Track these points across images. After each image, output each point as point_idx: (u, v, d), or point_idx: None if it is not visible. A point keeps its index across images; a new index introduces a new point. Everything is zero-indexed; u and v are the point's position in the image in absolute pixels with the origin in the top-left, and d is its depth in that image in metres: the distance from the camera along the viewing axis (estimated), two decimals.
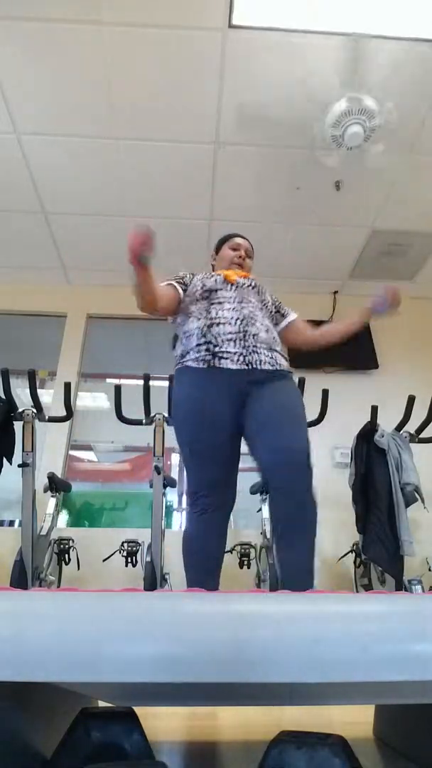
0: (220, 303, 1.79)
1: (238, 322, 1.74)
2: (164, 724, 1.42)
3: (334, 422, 2.87)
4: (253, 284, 1.90)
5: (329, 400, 2.78)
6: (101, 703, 1.16)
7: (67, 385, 2.87)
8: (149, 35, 2.48)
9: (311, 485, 1.55)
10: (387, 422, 2.90)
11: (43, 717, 1.00)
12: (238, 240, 2.08)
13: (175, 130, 2.96)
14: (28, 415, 2.66)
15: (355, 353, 4.11)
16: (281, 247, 3.86)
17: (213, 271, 2.05)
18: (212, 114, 2.86)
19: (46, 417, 2.79)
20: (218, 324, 1.73)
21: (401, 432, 2.89)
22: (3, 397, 2.64)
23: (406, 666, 0.68)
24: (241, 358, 1.68)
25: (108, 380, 4.01)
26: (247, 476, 3.54)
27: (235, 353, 1.69)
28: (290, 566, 1.52)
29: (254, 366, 1.68)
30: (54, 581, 2.73)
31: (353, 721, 1.43)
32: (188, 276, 1.94)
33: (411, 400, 2.83)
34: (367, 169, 2.90)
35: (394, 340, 4.20)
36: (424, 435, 2.91)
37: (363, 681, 0.68)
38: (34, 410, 2.67)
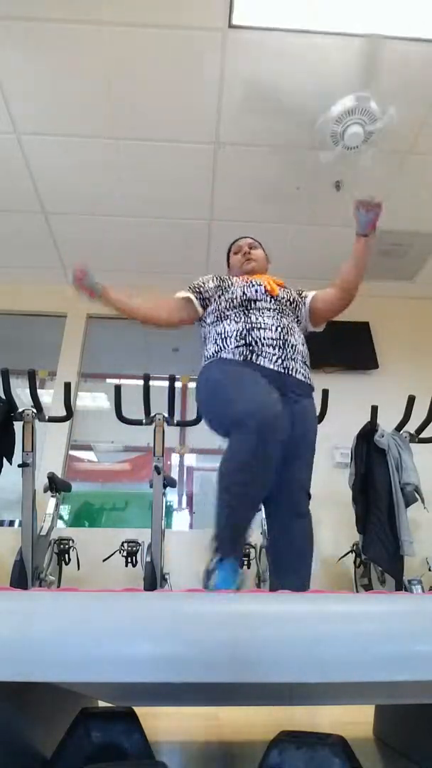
0: (259, 311, 1.77)
1: (279, 329, 1.73)
2: (164, 724, 1.42)
3: (334, 422, 2.86)
4: (287, 297, 1.86)
5: (329, 400, 2.78)
6: (101, 703, 1.16)
7: (67, 385, 2.87)
8: (149, 35, 2.48)
9: (309, 520, 1.65)
10: (387, 422, 2.90)
11: (43, 717, 1.00)
12: (238, 242, 2.08)
13: (175, 130, 2.96)
14: (28, 415, 2.66)
15: (355, 353, 4.12)
16: (281, 247, 3.85)
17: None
18: (212, 114, 2.86)
19: (46, 417, 2.79)
20: (259, 329, 1.72)
21: (401, 432, 2.89)
22: (3, 397, 2.64)
23: (406, 666, 0.68)
24: (279, 361, 1.68)
25: (108, 380, 4.01)
26: None
27: (273, 355, 1.68)
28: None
29: (289, 372, 1.69)
30: (54, 581, 2.73)
31: (353, 721, 1.43)
32: (211, 280, 1.90)
33: (411, 400, 2.83)
34: (367, 169, 2.90)
35: (394, 340, 4.20)
36: (424, 435, 2.91)
37: (363, 681, 0.68)
38: (34, 410, 2.67)
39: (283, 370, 1.67)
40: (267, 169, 3.20)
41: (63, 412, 2.86)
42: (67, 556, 2.91)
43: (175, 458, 3.77)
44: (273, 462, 1.49)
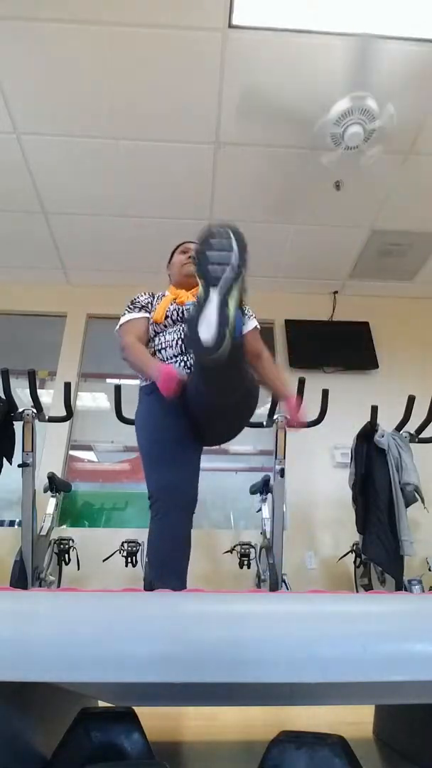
0: (164, 330, 1.79)
1: (179, 341, 1.74)
2: (164, 724, 1.42)
3: (334, 422, 2.86)
4: None
5: (329, 400, 2.78)
6: (101, 703, 1.16)
7: (67, 385, 2.87)
8: (149, 35, 2.48)
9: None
10: (387, 422, 2.90)
11: (43, 717, 1.00)
12: (188, 244, 1.97)
13: (175, 130, 2.96)
14: (28, 415, 2.65)
15: (355, 353, 4.12)
16: (281, 247, 3.86)
17: (170, 281, 2.00)
18: (212, 114, 2.86)
19: (46, 417, 2.79)
20: (161, 350, 1.77)
21: (401, 432, 2.89)
22: (3, 397, 2.64)
23: (406, 666, 0.68)
24: (182, 366, 1.69)
25: (108, 380, 4.01)
26: (248, 476, 3.55)
27: (175, 362, 1.72)
28: None
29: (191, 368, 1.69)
30: (54, 581, 2.73)
31: (353, 721, 1.43)
32: (149, 299, 1.91)
33: (411, 400, 2.83)
34: (366, 169, 2.90)
35: (394, 340, 4.20)
36: (424, 435, 2.90)
37: (363, 681, 0.68)
38: (34, 410, 2.67)
39: (189, 370, 1.66)
40: (267, 169, 3.20)
41: (63, 412, 2.86)
42: (67, 556, 2.91)
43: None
44: (180, 533, 1.60)
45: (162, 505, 1.60)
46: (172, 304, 1.81)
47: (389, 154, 2.96)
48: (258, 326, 1.91)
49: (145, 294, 1.93)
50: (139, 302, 1.89)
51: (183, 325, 1.74)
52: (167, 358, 1.73)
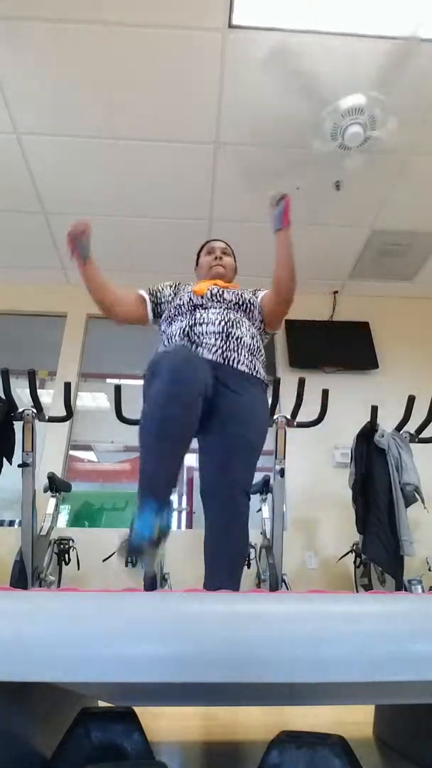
0: (205, 309, 1.77)
1: (223, 323, 1.72)
2: (164, 724, 1.42)
3: (334, 422, 2.87)
4: (235, 300, 1.82)
5: (329, 400, 2.78)
6: (101, 703, 1.16)
7: (67, 385, 2.87)
8: (149, 35, 2.48)
9: (243, 521, 1.59)
10: (387, 422, 2.90)
11: (43, 717, 1.00)
12: (212, 243, 2.06)
13: (175, 130, 2.96)
14: (28, 415, 2.66)
15: (355, 353, 4.12)
16: None
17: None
18: (212, 114, 2.86)
19: (46, 417, 2.79)
20: (201, 324, 1.72)
21: (401, 432, 2.89)
22: (3, 397, 2.64)
23: (406, 666, 0.68)
24: (219, 352, 1.66)
25: (108, 380, 4.01)
26: None
27: (213, 346, 1.67)
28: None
29: (230, 363, 1.65)
30: (54, 581, 2.73)
31: (353, 721, 1.42)
32: (169, 287, 1.92)
33: (411, 400, 2.83)
34: (367, 169, 2.91)
35: (394, 340, 4.20)
36: (424, 435, 2.90)
37: (363, 681, 0.68)
38: (34, 410, 2.67)
39: (222, 361, 1.65)
40: (267, 169, 3.20)
41: (63, 412, 2.86)
42: (67, 556, 2.91)
43: None
44: (190, 405, 1.44)
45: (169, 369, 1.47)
46: (188, 293, 1.84)
47: (389, 154, 2.96)
48: (264, 291, 1.93)
49: (170, 282, 1.97)
50: (155, 289, 1.93)
51: (191, 315, 1.76)
52: (206, 333, 1.72)
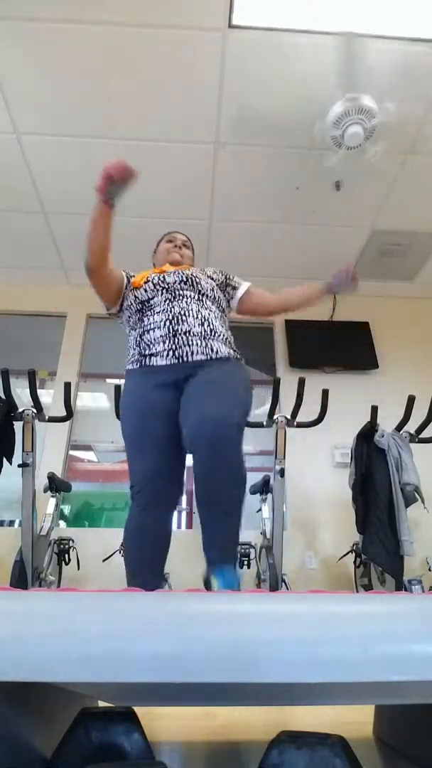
0: (151, 309, 1.76)
1: (167, 323, 1.71)
2: (164, 724, 1.42)
3: (334, 422, 2.86)
4: (185, 278, 1.80)
5: (329, 400, 2.78)
6: (101, 703, 1.16)
7: (67, 385, 2.87)
8: (149, 35, 2.48)
9: (236, 457, 1.46)
10: (387, 422, 2.90)
11: (43, 717, 1.00)
12: (173, 234, 2.08)
13: (175, 130, 2.96)
14: (28, 415, 2.66)
15: (355, 353, 4.12)
16: (281, 247, 3.86)
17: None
18: (212, 114, 2.86)
19: (46, 417, 2.79)
20: (148, 331, 1.73)
21: (401, 432, 2.89)
22: (3, 397, 2.64)
23: (406, 666, 0.68)
24: (170, 353, 1.66)
25: (108, 380, 4.01)
26: (247, 476, 3.54)
27: (163, 350, 1.67)
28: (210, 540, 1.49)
29: (185, 359, 1.65)
30: (54, 581, 2.73)
31: (353, 721, 1.42)
32: (130, 273, 1.94)
33: (411, 400, 2.83)
34: (366, 169, 2.91)
35: (394, 340, 4.21)
36: (424, 435, 2.90)
37: (363, 681, 0.68)
38: (34, 410, 2.67)
39: (176, 361, 1.65)
40: (267, 169, 3.20)
41: (63, 412, 2.86)
42: (67, 556, 2.91)
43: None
44: (162, 531, 1.64)
45: (142, 497, 1.60)
46: (152, 273, 1.85)
47: (389, 154, 2.96)
48: (248, 286, 1.94)
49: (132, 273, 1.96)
50: (129, 274, 1.92)
51: (172, 305, 1.73)
52: (153, 340, 1.69)
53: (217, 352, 1.67)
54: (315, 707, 1.46)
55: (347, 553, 3.00)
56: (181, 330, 1.68)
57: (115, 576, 2.91)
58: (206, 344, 1.67)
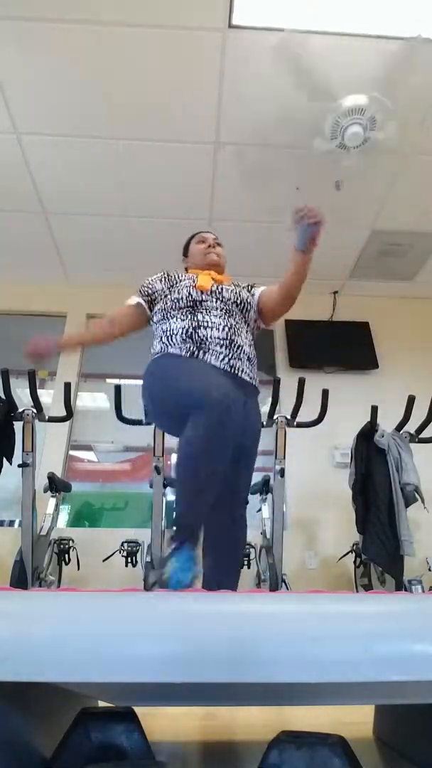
0: (207, 310, 1.75)
1: (226, 329, 1.72)
2: (164, 724, 1.42)
3: (334, 422, 2.86)
4: (233, 299, 1.82)
5: (329, 400, 2.78)
6: (101, 703, 1.16)
7: (67, 385, 2.87)
8: (149, 35, 2.48)
9: (245, 529, 1.75)
10: (387, 422, 2.90)
11: (43, 717, 1.00)
12: (203, 234, 2.05)
13: (175, 130, 2.96)
14: (28, 415, 2.66)
15: (355, 353, 4.12)
16: (281, 247, 3.85)
17: (187, 272, 1.98)
18: (212, 114, 2.86)
19: (46, 417, 2.79)
20: (205, 327, 1.71)
21: (401, 432, 2.89)
22: (3, 397, 2.64)
23: (406, 666, 0.68)
24: (226, 360, 1.67)
25: (108, 380, 4.01)
26: None
27: (220, 353, 1.67)
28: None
29: (236, 372, 1.67)
30: (54, 581, 2.73)
31: (353, 721, 1.42)
32: (159, 281, 1.88)
33: (411, 400, 2.83)
34: (366, 168, 2.91)
35: (394, 340, 4.20)
36: (424, 435, 2.91)
37: (363, 681, 0.68)
38: (34, 410, 2.67)
39: (229, 369, 1.66)
40: (267, 169, 3.19)
41: (63, 412, 2.86)
42: (67, 556, 2.91)
43: (175, 458, 3.76)
44: (230, 445, 1.49)
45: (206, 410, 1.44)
46: (187, 287, 1.81)
47: (389, 154, 2.96)
48: (263, 288, 1.93)
49: (160, 275, 1.91)
50: (146, 288, 1.88)
51: (228, 321, 1.74)
52: (211, 339, 1.69)
53: (256, 380, 1.77)
54: (315, 707, 1.46)
55: (347, 553, 3.00)
56: (237, 342, 1.73)
57: (115, 576, 2.92)
58: (251, 368, 1.76)
